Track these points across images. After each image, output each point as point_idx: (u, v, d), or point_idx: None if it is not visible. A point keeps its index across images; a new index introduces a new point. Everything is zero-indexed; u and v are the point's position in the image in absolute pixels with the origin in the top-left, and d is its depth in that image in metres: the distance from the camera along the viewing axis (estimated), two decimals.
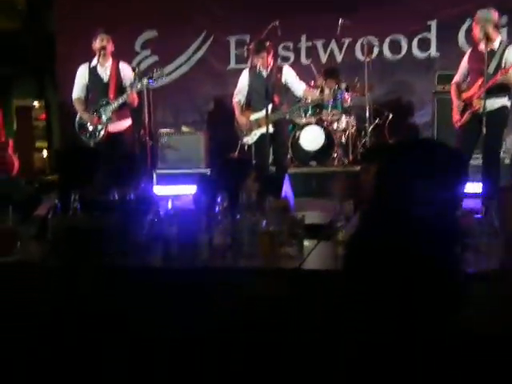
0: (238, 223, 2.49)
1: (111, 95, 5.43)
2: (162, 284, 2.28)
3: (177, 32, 7.33)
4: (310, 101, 6.02)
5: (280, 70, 5.71)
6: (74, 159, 2.97)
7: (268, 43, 5.46)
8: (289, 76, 5.72)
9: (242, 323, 2.11)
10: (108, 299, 2.28)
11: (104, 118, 5.44)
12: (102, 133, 5.47)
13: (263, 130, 5.53)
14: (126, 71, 5.56)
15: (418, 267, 1.52)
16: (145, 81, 5.34)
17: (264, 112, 5.43)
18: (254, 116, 5.72)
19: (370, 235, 1.62)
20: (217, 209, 2.41)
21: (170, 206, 2.43)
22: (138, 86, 5.34)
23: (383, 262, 1.54)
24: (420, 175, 1.58)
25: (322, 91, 6.37)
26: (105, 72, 5.49)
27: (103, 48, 5.35)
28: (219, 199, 2.44)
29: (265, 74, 5.55)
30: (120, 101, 5.38)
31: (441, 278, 1.53)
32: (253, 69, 5.70)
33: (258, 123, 5.69)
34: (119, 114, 5.47)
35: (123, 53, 6.28)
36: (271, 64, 5.55)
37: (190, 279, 2.26)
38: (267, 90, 5.39)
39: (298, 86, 5.79)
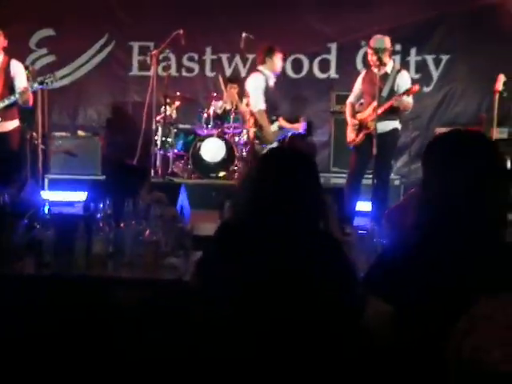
0: (121, 231, 2.39)
1: None
2: (33, 293, 2.13)
3: (76, 32, 7.03)
4: None
5: None
6: None
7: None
8: None
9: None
10: None
11: None
12: None
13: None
14: (17, 69, 5.20)
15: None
16: (35, 85, 5.05)
17: (278, 123, 5.56)
18: (274, 126, 5.57)
19: None
20: (98, 215, 2.30)
21: (46, 210, 2.28)
22: (31, 87, 5.03)
23: None
24: None
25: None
26: None
27: None
28: (102, 205, 2.33)
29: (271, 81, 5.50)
30: (6, 102, 5.04)
31: None
32: (265, 74, 5.50)
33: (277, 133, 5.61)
34: (6, 113, 5.12)
35: (17, 49, 5.94)
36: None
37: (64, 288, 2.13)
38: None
39: None
